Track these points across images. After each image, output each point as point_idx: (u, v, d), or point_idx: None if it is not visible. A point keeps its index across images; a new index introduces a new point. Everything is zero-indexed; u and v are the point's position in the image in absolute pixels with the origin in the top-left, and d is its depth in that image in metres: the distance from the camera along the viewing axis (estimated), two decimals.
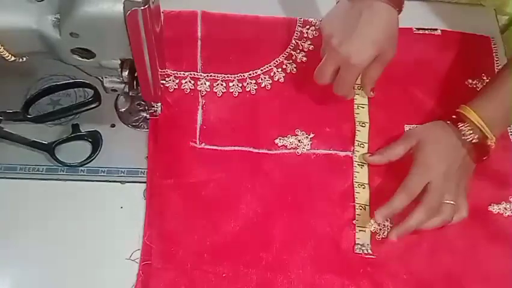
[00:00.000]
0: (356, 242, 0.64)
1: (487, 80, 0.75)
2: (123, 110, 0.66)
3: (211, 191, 0.65)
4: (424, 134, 0.65)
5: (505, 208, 0.67)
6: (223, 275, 0.60)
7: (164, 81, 0.70)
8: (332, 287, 0.61)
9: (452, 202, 0.61)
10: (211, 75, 0.72)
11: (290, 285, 0.61)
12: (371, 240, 0.64)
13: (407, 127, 0.70)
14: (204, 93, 0.71)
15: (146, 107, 0.68)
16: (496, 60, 0.78)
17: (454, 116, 0.64)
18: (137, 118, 0.68)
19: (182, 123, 0.68)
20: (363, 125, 0.70)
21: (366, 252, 0.64)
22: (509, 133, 0.72)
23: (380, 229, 0.64)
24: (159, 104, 0.68)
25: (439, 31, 0.78)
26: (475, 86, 0.75)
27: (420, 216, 0.60)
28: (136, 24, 0.49)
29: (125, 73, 0.56)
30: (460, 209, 0.63)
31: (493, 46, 0.79)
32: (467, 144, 0.63)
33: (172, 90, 0.70)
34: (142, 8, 0.48)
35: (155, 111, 0.68)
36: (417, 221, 0.60)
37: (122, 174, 0.65)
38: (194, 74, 0.72)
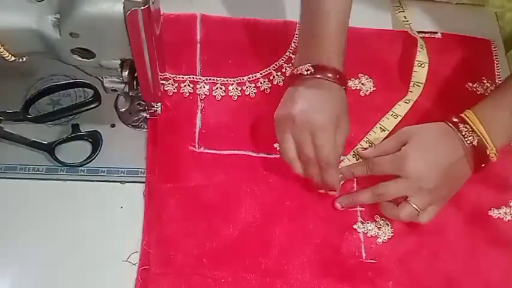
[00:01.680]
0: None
1: (487, 83, 0.75)
2: (123, 110, 0.66)
3: (210, 195, 0.64)
4: (417, 132, 0.62)
5: (505, 213, 0.67)
6: (222, 280, 0.60)
7: (163, 82, 0.70)
8: None
9: (414, 206, 0.60)
10: (210, 79, 0.72)
11: None
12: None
13: None
14: (203, 96, 0.71)
15: (146, 107, 0.68)
16: (497, 63, 0.77)
17: (455, 119, 0.62)
18: (137, 118, 0.68)
19: (181, 127, 0.68)
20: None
21: None
22: None
23: (380, 233, 0.64)
24: (159, 104, 0.68)
25: (439, 34, 0.78)
26: (475, 90, 0.75)
27: (364, 197, 0.64)
28: (136, 24, 0.49)
29: (125, 73, 0.56)
30: (421, 214, 0.61)
31: (494, 49, 0.78)
32: (465, 147, 0.60)
33: (171, 94, 0.70)
34: (142, 8, 0.48)
35: (155, 111, 0.68)
36: (360, 200, 0.64)
37: (122, 174, 0.65)
38: (193, 78, 0.72)
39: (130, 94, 0.63)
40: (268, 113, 0.70)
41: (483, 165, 0.62)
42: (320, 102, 0.60)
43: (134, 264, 0.60)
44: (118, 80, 0.58)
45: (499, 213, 0.67)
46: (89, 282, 0.59)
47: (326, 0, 0.63)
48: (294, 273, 0.61)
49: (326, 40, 0.62)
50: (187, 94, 0.70)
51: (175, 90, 0.70)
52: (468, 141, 0.60)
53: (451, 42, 0.78)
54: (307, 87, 0.61)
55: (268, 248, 0.62)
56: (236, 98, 0.71)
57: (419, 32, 0.77)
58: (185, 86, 0.71)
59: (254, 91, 0.72)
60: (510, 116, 0.62)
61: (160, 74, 0.59)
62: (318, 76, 0.61)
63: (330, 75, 0.61)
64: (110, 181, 0.65)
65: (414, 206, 0.60)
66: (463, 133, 0.61)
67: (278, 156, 0.67)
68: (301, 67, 0.62)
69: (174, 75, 0.71)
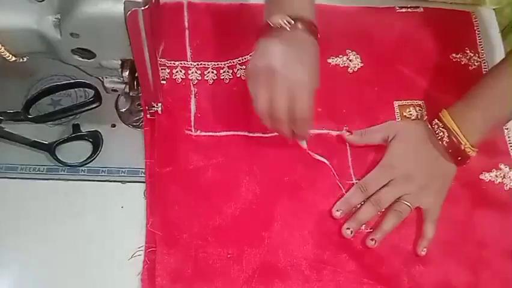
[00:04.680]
0: None
1: (470, 53, 0.76)
2: (124, 110, 0.66)
3: (209, 176, 0.66)
4: (402, 130, 0.66)
5: (496, 175, 0.69)
6: (228, 256, 0.61)
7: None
8: (334, 261, 0.62)
9: (407, 203, 0.63)
10: (201, 64, 0.73)
11: (292, 262, 0.62)
12: None
13: (396, 103, 0.72)
14: (196, 81, 0.72)
15: (147, 107, 0.68)
16: (478, 34, 0.78)
17: (435, 119, 0.65)
18: (137, 118, 0.68)
19: (177, 113, 0.69)
20: None
21: None
22: None
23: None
24: (159, 104, 0.68)
25: (421, 9, 0.79)
26: (459, 60, 0.76)
27: (367, 213, 0.63)
28: (136, 25, 0.49)
29: (126, 73, 0.56)
30: (429, 212, 0.64)
31: (474, 21, 0.79)
32: (439, 145, 0.64)
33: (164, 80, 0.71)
34: (142, 8, 0.48)
35: (156, 111, 0.68)
36: (365, 218, 0.63)
37: (122, 174, 0.65)
38: (184, 64, 0.73)
39: (131, 94, 0.63)
40: None
41: (460, 158, 0.64)
42: (298, 57, 0.57)
43: (138, 255, 0.60)
44: (119, 80, 0.58)
45: (490, 176, 0.69)
46: (89, 282, 0.60)
47: None
48: (296, 245, 0.63)
49: None
50: (180, 80, 0.71)
51: (168, 76, 0.71)
52: (439, 137, 0.64)
53: (432, 16, 0.79)
54: (282, 39, 0.58)
55: (270, 223, 0.64)
56: (228, 80, 0.72)
57: (401, 8, 0.79)
58: (177, 72, 0.72)
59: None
60: (481, 112, 0.63)
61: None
62: (291, 28, 0.58)
63: (301, 27, 0.58)
64: (110, 181, 0.65)
65: (406, 203, 0.63)
66: (435, 131, 0.64)
67: (273, 134, 0.68)
68: (273, 18, 0.58)
69: (165, 61, 0.72)
